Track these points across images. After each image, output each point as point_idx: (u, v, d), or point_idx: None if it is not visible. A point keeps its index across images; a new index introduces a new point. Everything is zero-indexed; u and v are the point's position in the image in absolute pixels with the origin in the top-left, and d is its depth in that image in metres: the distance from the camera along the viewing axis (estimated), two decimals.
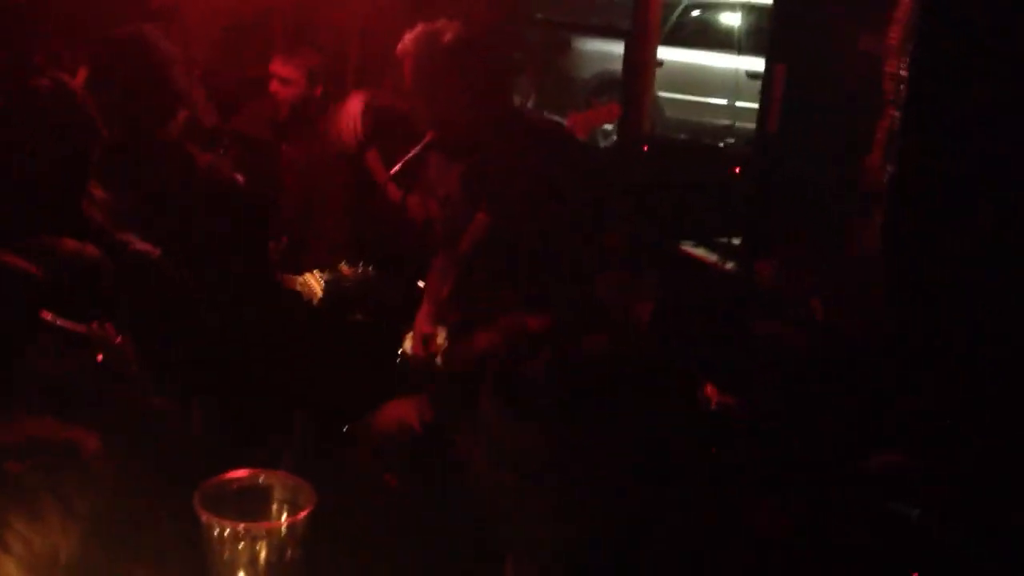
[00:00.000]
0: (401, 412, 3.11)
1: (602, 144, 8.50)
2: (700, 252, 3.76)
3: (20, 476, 1.70)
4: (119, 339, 2.41)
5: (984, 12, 2.80)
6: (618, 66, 6.18)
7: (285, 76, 4.52)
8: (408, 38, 3.26)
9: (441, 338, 3.42)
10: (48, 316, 2.27)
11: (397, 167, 3.49)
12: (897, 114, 2.91)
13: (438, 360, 3.39)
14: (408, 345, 3.50)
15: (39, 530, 1.70)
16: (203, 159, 3.50)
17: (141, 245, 3.04)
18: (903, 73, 2.90)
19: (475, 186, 3.27)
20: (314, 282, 3.92)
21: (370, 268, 4.01)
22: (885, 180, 2.94)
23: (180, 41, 3.77)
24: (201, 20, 5.87)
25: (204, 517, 1.88)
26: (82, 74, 3.70)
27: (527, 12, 6.09)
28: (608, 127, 8.78)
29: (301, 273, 3.96)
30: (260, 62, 4.68)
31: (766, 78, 3.54)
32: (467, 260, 3.30)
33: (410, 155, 3.46)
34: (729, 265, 3.58)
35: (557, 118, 5.22)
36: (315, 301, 3.89)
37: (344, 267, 3.99)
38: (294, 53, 4.58)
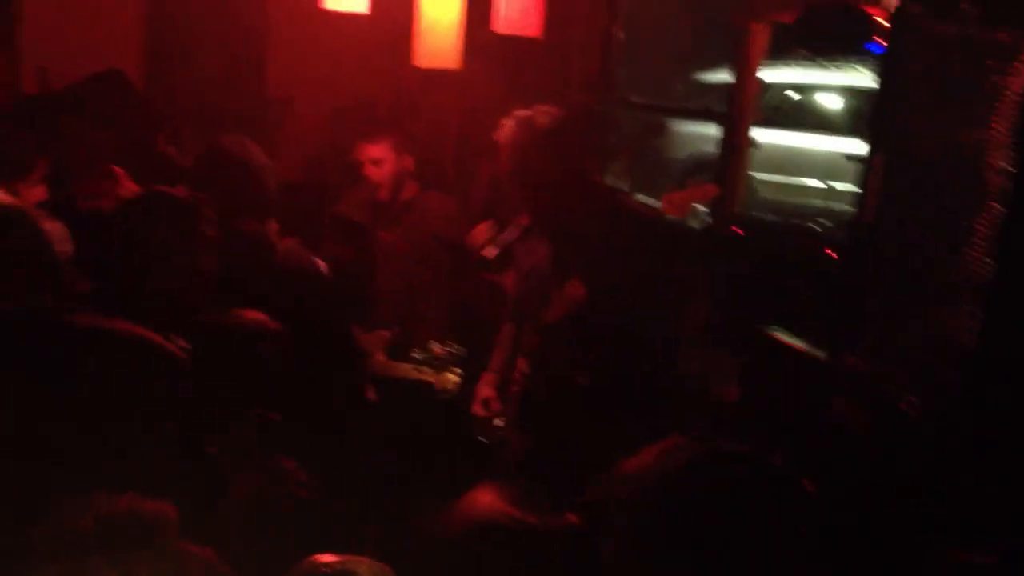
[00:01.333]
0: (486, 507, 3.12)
1: (694, 225, 8.52)
2: (788, 337, 3.75)
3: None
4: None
5: None
6: (713, 148, 6.21)
7: (375, 157, 4.67)
8: (504, 123, 3.37)
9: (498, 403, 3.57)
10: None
11: (494, 250, 3.58)
12: (999, 208, 2.86)
13: (497, 423, 3.52)
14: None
15: None
16: (283, 244, 3.64)
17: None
18: (1007, 167, 2.85)
19: (565, 262, 3.34)
20: (451, 376, 3.97)
21: (460, 346, 4.09)
22: (985, 274, 2.89)
23: (291, 125, 3.96)
24: (312, 105, 6.12)
25: None
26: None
27: (621, 96, 6.20)
28: (701, 208, 8.81)
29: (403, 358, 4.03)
30: (361, 147, 4.84)
31: (865, 163, 3.54)
32: (552, 332, 3.37)
33: (507, 239, 3.55)
34: (819, 352, 3.56)
35: (651, 199, 5.28)
36: (445, 394, 3.93)
37: (435, 346, 4.08)
38: (380, 135, 4.71)
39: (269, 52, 7.10)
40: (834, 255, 4.20)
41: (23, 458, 1.96)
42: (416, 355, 4.11)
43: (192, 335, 2.59)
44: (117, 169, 3.87)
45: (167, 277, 2.90)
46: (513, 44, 4.17)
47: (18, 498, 1.86)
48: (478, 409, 3.78)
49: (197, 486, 1.99)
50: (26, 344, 2.09)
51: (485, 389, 3.78)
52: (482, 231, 4.62)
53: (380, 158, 4.67)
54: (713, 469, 1.70)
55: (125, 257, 2.93)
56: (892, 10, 3.47)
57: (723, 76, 7.90)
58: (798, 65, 10.46)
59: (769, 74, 8.63)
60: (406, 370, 4.16)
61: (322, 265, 3.74)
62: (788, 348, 3.66)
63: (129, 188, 3.79)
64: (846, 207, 8.67)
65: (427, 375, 4.10)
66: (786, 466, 1.75)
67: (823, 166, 9.84)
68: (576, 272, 3.35)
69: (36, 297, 2.54)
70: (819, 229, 7.05)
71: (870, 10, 5.36)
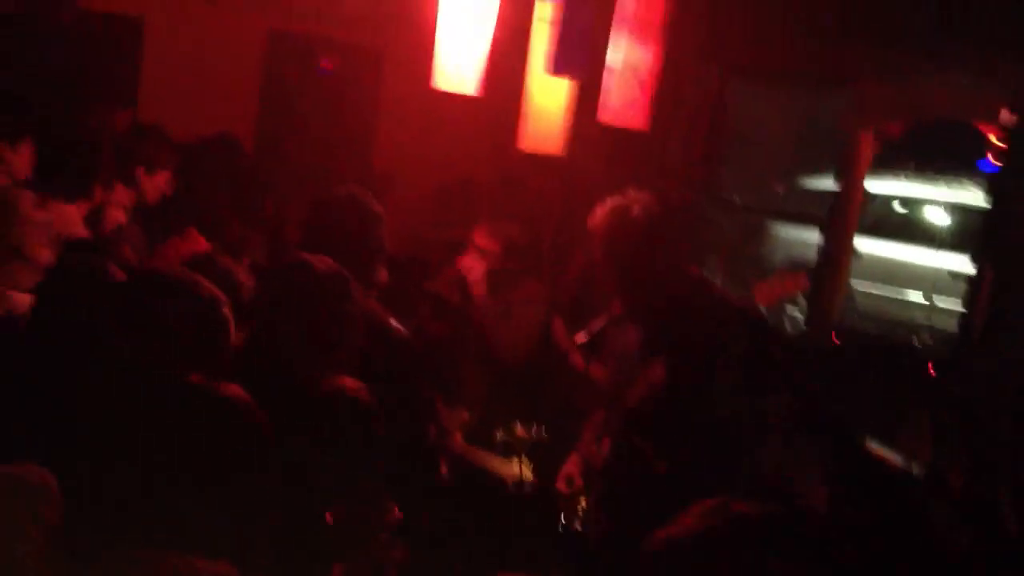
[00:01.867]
0: None
1: (789, 329, 8.38)
2: (884, 451, 3.64)
3: None
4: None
5: None
6: (811, 253, 6.16)
7: (484, 247, 4.65)
8: (599, 211, 3.36)
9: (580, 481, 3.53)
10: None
11: (584, 337, 3.55)
12: None
13: (580, 503, 3.49)
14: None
15: None
16: (366, 304, 3.65)
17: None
18: None
19: (653, 350, 3.29)
20: (525, 470, 3.94)
21: (543, 429, 4.04)
22: None
23: (394, 199, 4.02)
24: (416, 181, 6.22)
25: None
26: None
27: (721, 194, 6.18)
28: (798, 315, 8.67)
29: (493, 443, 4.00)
30: (461, 225, 4.86)
31: (972, 280, 3.46)
32: (632, 416, 3.31)
33: (597, 326, 3.52)
34: (914, 468, 3.44)
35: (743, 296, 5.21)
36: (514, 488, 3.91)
37: (519, 428, 4.03)
38: (497, 225, 4.71)
39: (378, 126, 7.26)
40: (933, 372, 4.09)
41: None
42: (500, 436, 4.06)
43: (305, 403, 2.62)
44: (191, 229, 3.97)
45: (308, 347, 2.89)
46: (617, 134, 4.19)
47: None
48: (561, 486, 3.75)
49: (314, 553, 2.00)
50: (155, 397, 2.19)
51: (570, 467, 3.75)
52: (561, 325, 4.60)
53: (488, 250, 4.67)
54: (739, 528, 1.72)
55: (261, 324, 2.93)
56: (1008, 129, 3.40)
57: (827, 182, 7.85)
58: (905, 177, 10.32)
59: (874, 184, 8.53)
60: (482, 456, 4.12)
61: (401, 329, 3.74)
62: (881, 460, 3.55)
63: (202, 246, 3.89)
64: (949, 323, 8.47)
65: (500, 466, 4.05)
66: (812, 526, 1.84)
67: (926, 280, 9.63)
68: (661, 358, 3.30)
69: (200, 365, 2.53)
70: (919, 344, 6.88)
71: (983, 128, 5.28)
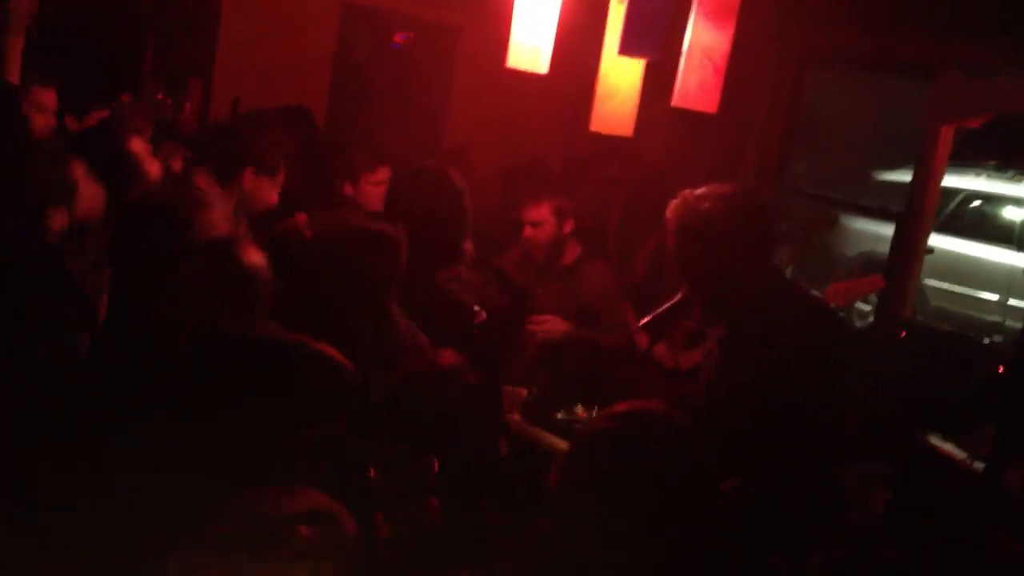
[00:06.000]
0: None
1: (858, 324, 8.28)
2: (948, 447, 3.57)
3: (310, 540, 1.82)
4: None
5: None
6: (885, 248, 6.05)
7: (536, 219, 4.69)
8: (671, 203, 3.34)
9: None
10: None
11: (647, 319, 3.54)
12: None
13: None
14: None
15: None
16: (446, 284, 3.68)
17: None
18: None
19: (728, 348, 3.26)
20: None
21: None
22: None
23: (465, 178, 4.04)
24: (484, 159, 6.23)
25: None
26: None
27: (798, 185, 6.10)
28: (867, 308, 8.55)
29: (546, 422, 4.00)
30: (532, 206, 4.86)
31: None
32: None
33: (660, 311, 3.51)
34: (977, 465, 3.38)
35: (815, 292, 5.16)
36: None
37: (580, 409, 4.03)
38: (541, 197, 4.73)
39: (450, 104, 7.29)
40: (1002, 370, 4.01)
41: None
42: (561, 416, 4.06)
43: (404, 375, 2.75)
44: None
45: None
46: (689, 119, 4.15)
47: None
48: None
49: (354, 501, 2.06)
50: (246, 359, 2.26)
51: None
52: (628, 307, 4.59)
53: (540, 220, 4.71)
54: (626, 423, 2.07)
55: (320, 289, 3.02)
56: None
57: (903, 177, 7.71)
58: (983, 174, 10.12)
59: (952, 179, 8.37)
60: (538, 434, 4.12)
61: (479, 311, 3.77)
62: (946, 458, 3.49)
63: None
64: (1020, 323, 8.30)
65: (558, 445, 4.05)
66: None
67: (999, 279, 9.45)
68: (728, 351, 3.27)
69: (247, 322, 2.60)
70: (988, 342, 6.75)
71: None
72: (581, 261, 4.80)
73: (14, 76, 5.35)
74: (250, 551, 1.80)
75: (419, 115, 7.28)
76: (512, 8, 3.67)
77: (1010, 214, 9.96)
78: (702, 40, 3.45)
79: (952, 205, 9.95)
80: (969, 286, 9.59)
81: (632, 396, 3.51)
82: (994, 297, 9.46)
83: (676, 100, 3.66)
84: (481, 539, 2.79)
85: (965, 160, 9.38)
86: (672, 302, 3.50)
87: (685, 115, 3.84)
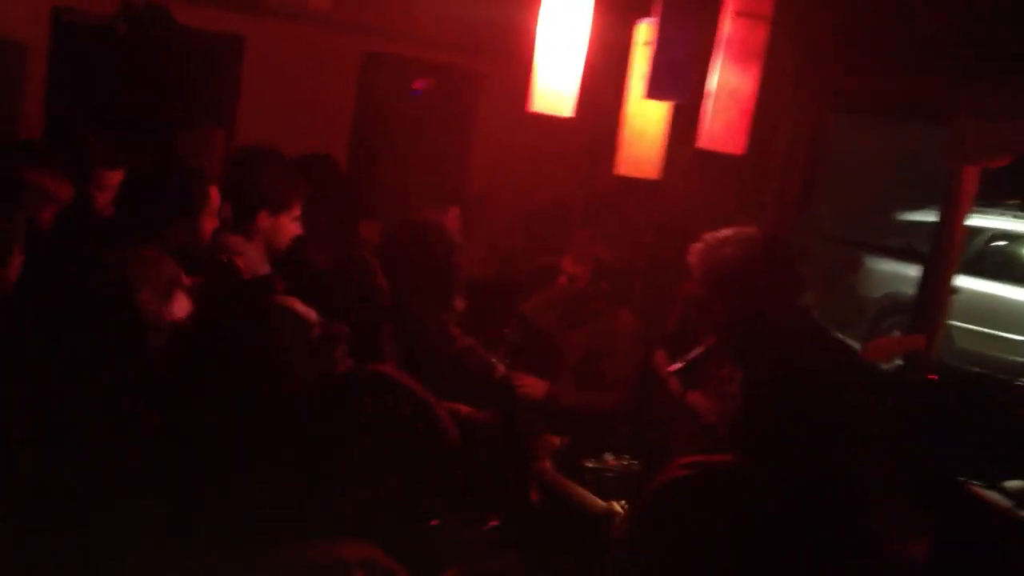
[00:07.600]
0: None
1: (885, 367, 8.18)
2: (991, 495, 3.49)
3: None
4: None
5: None
6: (910, 289, 6.00)
7: (573, 273, 4.65)
8: (694, 247, 3.31)
9: None
10: None
11: (679, 364, 3.50)
12: None
13: None
14: None
15: None
16: (463, 342, 3.65)
17: None
18: None
19: (754, 391, 3.21)
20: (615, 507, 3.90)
21: (635, 461, 3.97)
22: None
23: (486, 222, 4.03)
24: (510, 204, 6.22)
25: None
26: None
27: (821, 228, 6.05)
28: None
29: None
30: (554, 251, 4.85)
31: None
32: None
33: (691, 355, 3.46)
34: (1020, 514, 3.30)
35: (839, 335, 5.10)
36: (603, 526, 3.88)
37: (610, 457, 3.97)
38: (584, 251, 4.70)
39: (473, 149, 7.29)
40: None
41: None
42: (590, 464, 4.00)
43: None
44: None
45: None
46: (714, 161, 4.12)
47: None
48: None
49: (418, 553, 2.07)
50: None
51: None
52: (663, 354, 4.54)
53: (577, 276, 4.66)
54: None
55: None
56: None
57: (927, 217, 7.65)
58: (1008, 214, 10.05)
59: (977, 219, 8.30)
60: (570, 486, 4.07)
61: (500, 368, 3.74)
62: (989, 505, 3.40)
63: None
64: None
65: (589, 498, 3.99)
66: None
67: None
68: (761, 394, 3.22)
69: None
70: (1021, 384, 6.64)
71: None
72: (609, 307, 4.76)
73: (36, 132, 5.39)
74: None
75: (443, 162, 7.28)
76: (533, 54, 3.66)
77: None
78: (729, 82, 3.43)
79: (977, 245, 9.87)
80: (995, 327, 9.48)
81: (665, 447, 3.50)
82: (1021, 338, 9.35)
83: (702, 142, 3.64)
84: None
85: (989, 199, 9.31)
86: (703, 348, 3.45)
87: (706, 157, 3.82)
